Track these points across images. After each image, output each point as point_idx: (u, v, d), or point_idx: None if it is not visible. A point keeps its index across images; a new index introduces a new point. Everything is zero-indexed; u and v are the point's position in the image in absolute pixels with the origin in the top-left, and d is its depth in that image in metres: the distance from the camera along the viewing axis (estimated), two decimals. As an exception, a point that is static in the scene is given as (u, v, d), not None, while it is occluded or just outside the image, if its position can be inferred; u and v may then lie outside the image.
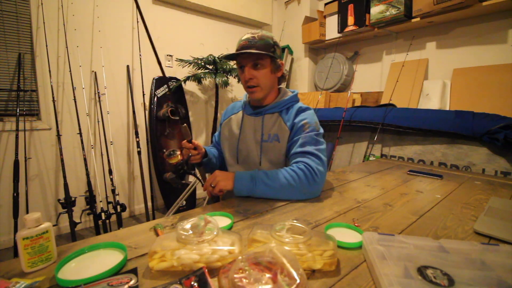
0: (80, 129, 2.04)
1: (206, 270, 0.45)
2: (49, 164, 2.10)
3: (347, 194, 0.90)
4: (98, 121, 2.27)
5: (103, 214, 2.01)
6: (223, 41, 3.05)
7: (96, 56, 2.25)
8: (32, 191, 2.00)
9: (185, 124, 0.91)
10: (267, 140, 1.01)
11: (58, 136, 1.96)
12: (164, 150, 0.89)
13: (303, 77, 3.23)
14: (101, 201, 2.12)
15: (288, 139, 0.99)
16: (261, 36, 0.95)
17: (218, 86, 2.71)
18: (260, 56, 0.94)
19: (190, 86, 2.84)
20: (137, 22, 2.39)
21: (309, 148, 0.90)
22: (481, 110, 1.70)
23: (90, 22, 2.22)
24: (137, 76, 2.44)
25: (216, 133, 1.24)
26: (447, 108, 2.10)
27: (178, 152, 0.89)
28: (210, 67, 2.68)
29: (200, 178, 1.05)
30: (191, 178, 2.29)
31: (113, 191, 2.14)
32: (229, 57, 0.97)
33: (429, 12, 2.00)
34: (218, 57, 2.58)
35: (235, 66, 2.33)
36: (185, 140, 0.95)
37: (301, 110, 1.00)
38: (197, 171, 1.04)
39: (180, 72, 2.70)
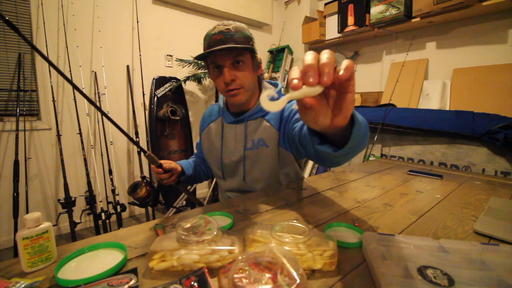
0: (80, 129, 2.04)
1: (206, 270, 0.45)
2: (49, 164, 2.11)
3: (347, 194, 0.90)
4: (98, 121, 2.27)
5: (103, 214, 2.01)
6: (223, 41, 3.06)
7: (96, 56, 2.25)
8: (32, 191, 2.00)
9: (148, 153, 0.81)
10: (252, 147, 0.90)
11: (58, 136, 1.96)
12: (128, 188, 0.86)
13: (303, 77, 3.22)
14: (101, 201, 2.12)
15: (279, 138, 0.88)
16: (236, 28, 0.80)
17: (218, 86, 2.71)
18: (241, 51, 0.80)
19: (190, 86, 2.84)
20: (137, 22, 2.39)
21: None
22: (481, 110, 1.70)
23: (90, 22, 2.22)
24: (137, 76, 2.44)
25: (198, 141, 1.13)
26: (447, 108, 2.10)
27: (143, 184, 0.81)
28: (210, 67, 2.68)
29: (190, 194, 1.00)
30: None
31: (113, 191, 2.14)
32: (202, 56, 0.81)
33: (429, 12, 2.00)
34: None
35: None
36: (154, 166, 0.86)
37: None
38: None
39: (180, 72, 2.70)
